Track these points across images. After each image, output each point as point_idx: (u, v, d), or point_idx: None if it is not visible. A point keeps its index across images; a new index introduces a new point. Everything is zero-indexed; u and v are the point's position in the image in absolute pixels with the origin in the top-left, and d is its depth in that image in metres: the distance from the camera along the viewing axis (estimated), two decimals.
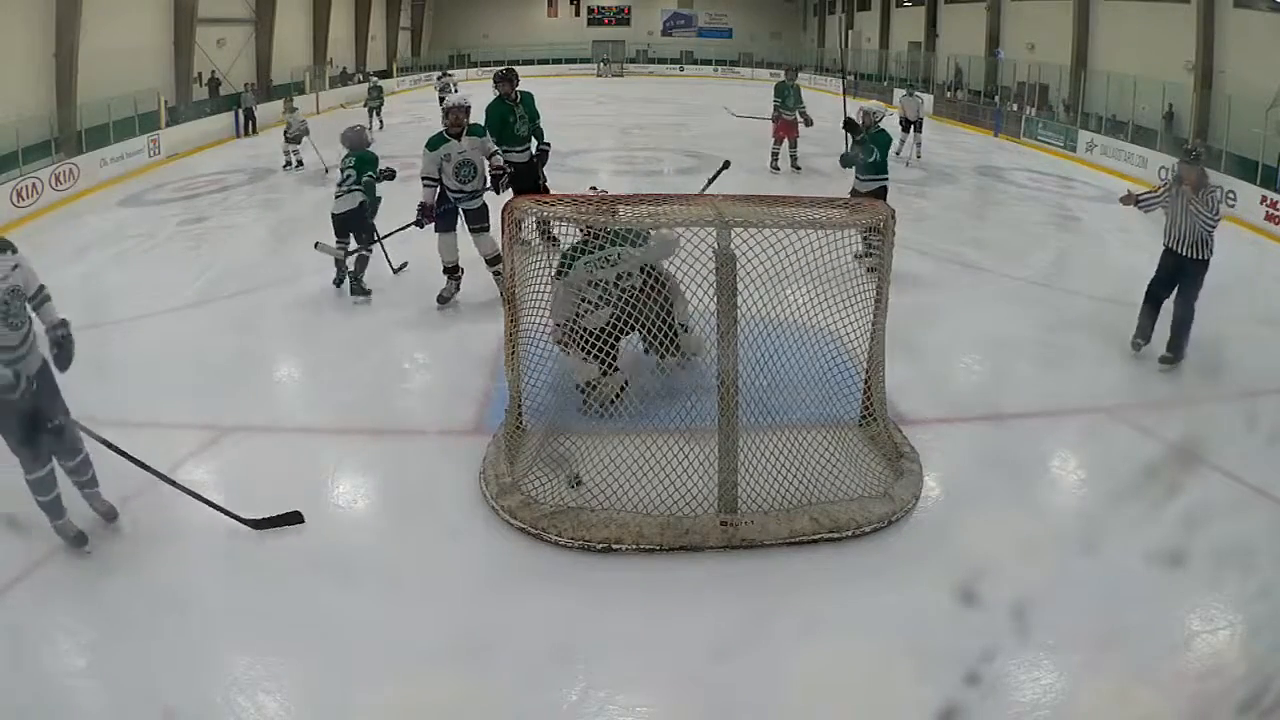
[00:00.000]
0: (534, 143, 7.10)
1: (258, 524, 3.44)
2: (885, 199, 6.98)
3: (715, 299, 3.39)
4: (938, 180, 12.07)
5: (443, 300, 6.08)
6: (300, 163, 12.54)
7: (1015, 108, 18.77)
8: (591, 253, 4.36)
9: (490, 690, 2.65)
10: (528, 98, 7.13)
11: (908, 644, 2.78)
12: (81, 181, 12.05)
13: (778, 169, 11.41)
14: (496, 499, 3.58)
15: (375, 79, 22.11)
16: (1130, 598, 2.98)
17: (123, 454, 3.44)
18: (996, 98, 20.33)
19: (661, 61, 36.24)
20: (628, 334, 4.12)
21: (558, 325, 4.19)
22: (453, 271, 6.09)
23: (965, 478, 3.90)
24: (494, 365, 4.75)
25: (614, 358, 4.08)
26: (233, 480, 3.98)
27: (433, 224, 6.04)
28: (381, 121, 17.27)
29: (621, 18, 37.58)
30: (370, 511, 3.79)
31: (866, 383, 4.08)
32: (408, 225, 6.24)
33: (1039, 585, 2.95)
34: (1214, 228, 5.16)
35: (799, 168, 11.44)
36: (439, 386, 4.99)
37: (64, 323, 3.32)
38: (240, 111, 17.64)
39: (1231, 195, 10.97)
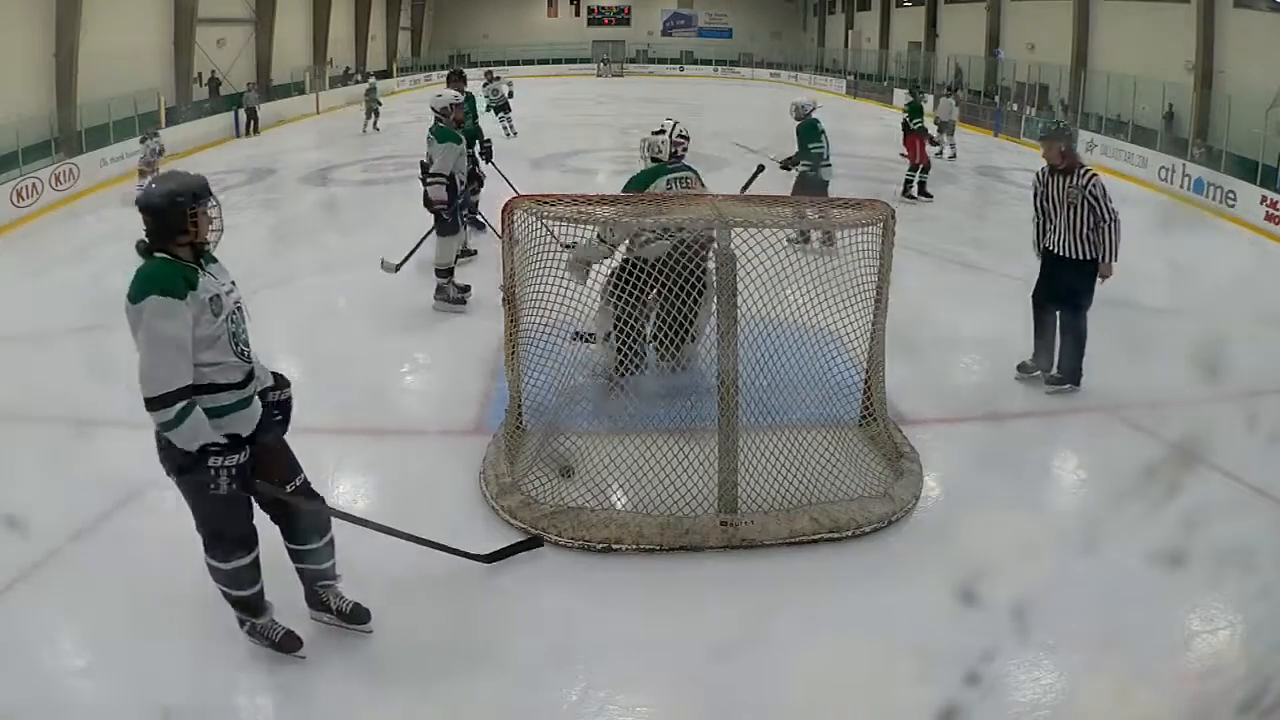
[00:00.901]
0: (477, 144, 7.71)
1: (491, 558, 3.13)
2: (813, 188, 7.28)
3: (715, 299, 3.39)
4: (938, 180, 12.03)
5: (464, 301, 6.08)
6: None
7: (1015, 108, 18.79)
8: (675, 171, 4.54)
9: (490, 690, 2.65)
10: (470, 98, 8.10)
11: (908, 644, 2.77)
12: (81, 181, 12.06)
13: (930, 196, 10.27)
14: (496, 499, 3.58)
15: (373, 79, 22.10)
16: (1130, 598, 2.97)
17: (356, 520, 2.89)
18: (996, 98, 20.35)
19: (661, 61, 36.28)
20: (657, 288, 3.97)
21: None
22: (451, 272, 6.11)
23: (965, 478, 3.90)
24: (494, 365, 4.75)
25: (645, 304, 3.94)
26: None
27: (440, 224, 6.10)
28: (377, 125, 17.24)
29: (621, 18, 37.61)
30: (370, 511, 3.76)
31: (866, 383, 4.08)
32: (431, 230, 6.38)
33: (1039, 585, 2.95)
34: (1103, 220, 4.45)
35: (930, 195, 10.35)
36: (439, 386, 4.99)
37: (284, 378, 2.71)
38: (241, 111, 17.66)
39: (1231, 195, 10.98)
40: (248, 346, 2.53)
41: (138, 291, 2.32)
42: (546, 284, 3.78)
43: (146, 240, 2.41)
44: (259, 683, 2.70)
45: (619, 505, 3.47)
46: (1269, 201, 10.23)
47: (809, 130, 7.53)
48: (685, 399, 3.90)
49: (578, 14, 37.52)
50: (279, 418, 2.71)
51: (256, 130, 17.64)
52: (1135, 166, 13.34)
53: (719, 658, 2.71)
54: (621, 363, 4.07)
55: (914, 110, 10.32)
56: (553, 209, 3.73)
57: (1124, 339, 5.29)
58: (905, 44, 27.27)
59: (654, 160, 4.62)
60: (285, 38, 22.45)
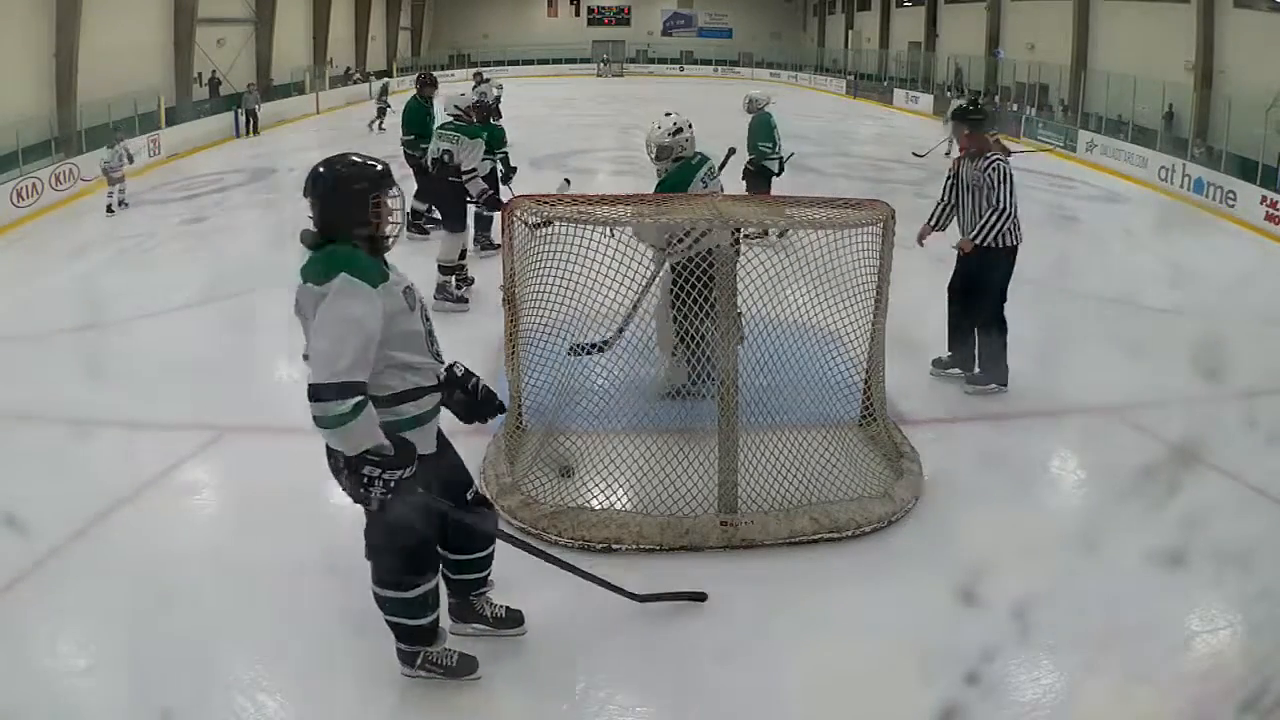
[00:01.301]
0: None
1: (649, 598, 2.94)
2: (757, 180, 7.33)
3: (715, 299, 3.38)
4: (938, 180, 12.03)
5: (465, 300, 6.07)
6: (124, 203, 10.50)
7: (1015, 108, 18.79)
8: (698, 167, 4.45)
9: (490, 690, 2.65)
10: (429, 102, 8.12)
11: (908, 644, 2.77)
12: (81, 181, 12.05)
13: None
14: (496, 499, 3.57)
15: (386, 80, 22.06)
16: (1130, 598, 2.97)
17: (531, 549, 2.71)
18: (996, 98, 20.34)
19: (661, 61, 36.30)
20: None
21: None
22: (453, 269, 6.12)
23: (965, 478, 3.90)
24: (494, 365, 4.75)
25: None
26: (233, 480, 3.99)
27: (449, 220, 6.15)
28: (382, 125, 17.21)
29: (621, 18, 37.62)
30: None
31: (866, 383, 4.08)
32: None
33: (1039, 585, 2.95)
34: (991, 205, 4.29)
35: None
36: None
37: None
38: (241, 112, 17.66)
39: (1231, 195, 10.98)
40: (437, 343, 2.24)
41: (324, 270, 2.02)
42: (546, 284, 3.77)
43: (315, 231, 2.10)
44: (261, 682, 2.69)
45: (619, 505, 3.47)
46: (1269, 201, 10.24)
47: (762, 126, 7.42)
48: (685, 399, 3.89)
49: (578, 14, 37.52)
50: (483, 395, 2.40)
51: (256, 130, 17.63)
52: (1135, 166, 13.35)
53: (719, 658, 2.71)
54: (694, 372, 3.85)
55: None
56: (553, 209, 3.73)
57: (1124, 339, 5.30)
58: (905, 44, 27.28)
59: (675, 160, 4.50)
60: (285, 38, 22.44)
